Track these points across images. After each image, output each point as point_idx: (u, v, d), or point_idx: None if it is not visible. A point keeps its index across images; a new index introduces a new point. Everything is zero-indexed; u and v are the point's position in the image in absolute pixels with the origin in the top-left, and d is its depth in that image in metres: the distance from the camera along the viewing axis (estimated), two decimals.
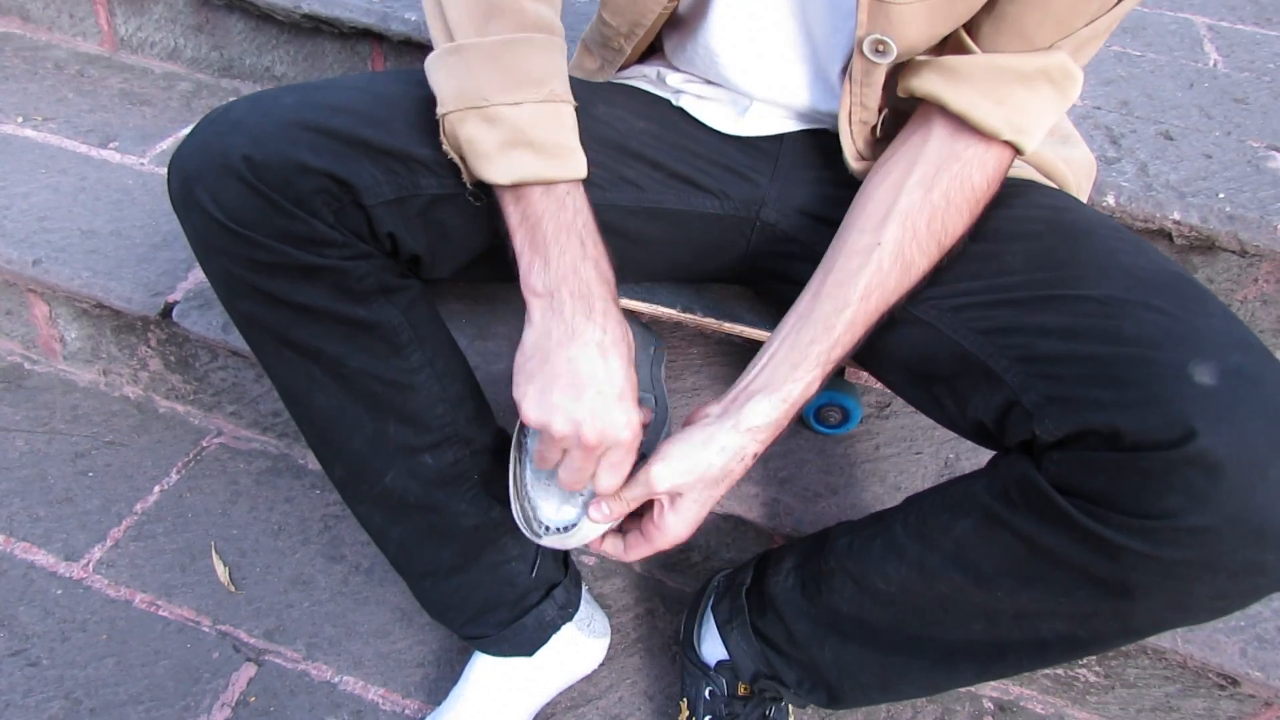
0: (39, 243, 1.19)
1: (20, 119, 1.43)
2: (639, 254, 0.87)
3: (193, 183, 0.67)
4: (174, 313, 1.12)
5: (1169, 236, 1.19)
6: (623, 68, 0.89)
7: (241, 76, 1.58)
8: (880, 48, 0.70)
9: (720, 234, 0.88)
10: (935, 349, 0.72)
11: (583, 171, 0.70)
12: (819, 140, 0.86)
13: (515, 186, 0.68)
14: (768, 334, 0.95)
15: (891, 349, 0.77)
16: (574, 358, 0.67)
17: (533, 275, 0.69)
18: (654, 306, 0.98)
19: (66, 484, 1.14)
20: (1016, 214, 0.76)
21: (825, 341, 0.71)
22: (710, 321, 0.97)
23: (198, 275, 1.17)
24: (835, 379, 1.04)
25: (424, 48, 1.38)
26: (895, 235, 0.70)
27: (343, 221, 0.69)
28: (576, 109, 0.73)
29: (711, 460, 0.71)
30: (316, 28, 1.43)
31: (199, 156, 0.67)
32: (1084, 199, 0.89)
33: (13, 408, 1.23)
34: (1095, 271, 0.67)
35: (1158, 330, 0.60)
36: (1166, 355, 0.58)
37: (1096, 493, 0.59)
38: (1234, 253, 1.19)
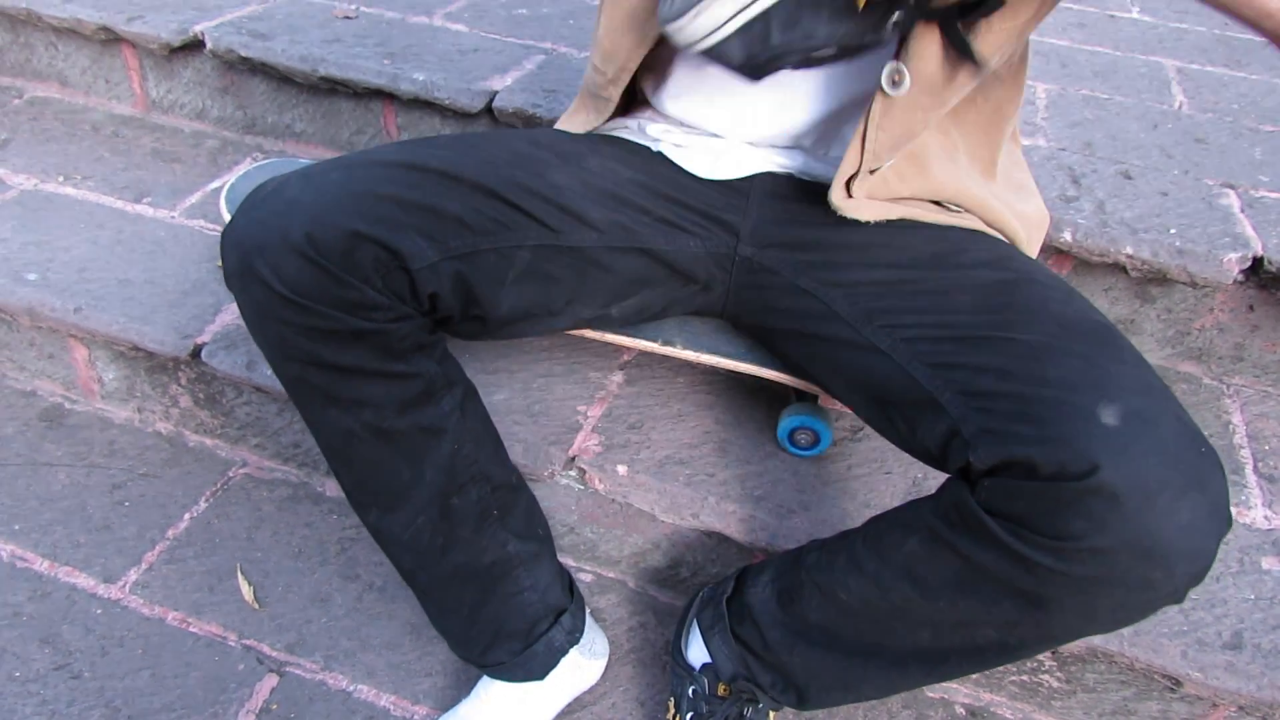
0: (79, 291, 1.29)
1: (61, 178, 1.55)
2: (633, 288, 0.96)
3: (252, 257, 0.74)
4: (203, 353, 1.22)
5: (1124, 269, 1.28)
6: (611, 118, 0.99)
7: (263, 133, 1.70)
8: (896, 78, 0.78)
9: (704, 269, 0.97)
10: (891, 377, 0.81)
11: None
12: (784, 181, 0.95)
13: None
14: (746, 365, 1.04)
15: (854, 374, 0.86)
16: None
17: None
18: (637, 340, 1.07)
19: (104, 513, 1.24)
20: (966, 260, 0.85)
21: None
22: (689, 354, 1.07)
23: (224, 318, 1.27)
24: (809, 404, 1.12)
25: (431, 105, 1.49)
26: None
27: (389, 285, 0.77)
28: (569, 159, 0.83)
29: None
30: (333, 88, 1.55)
31: (258, 233, 0.75)
32: (1034, 251, 0.98)
33: (55, 444, 1.33)
34: (1029, 317, 0.75)
35: (1075, 374, 0.69)
36: (1080, 398, 0.67)
37: (1018, 516, 0.67)
38: (1186, 284, 1.28)
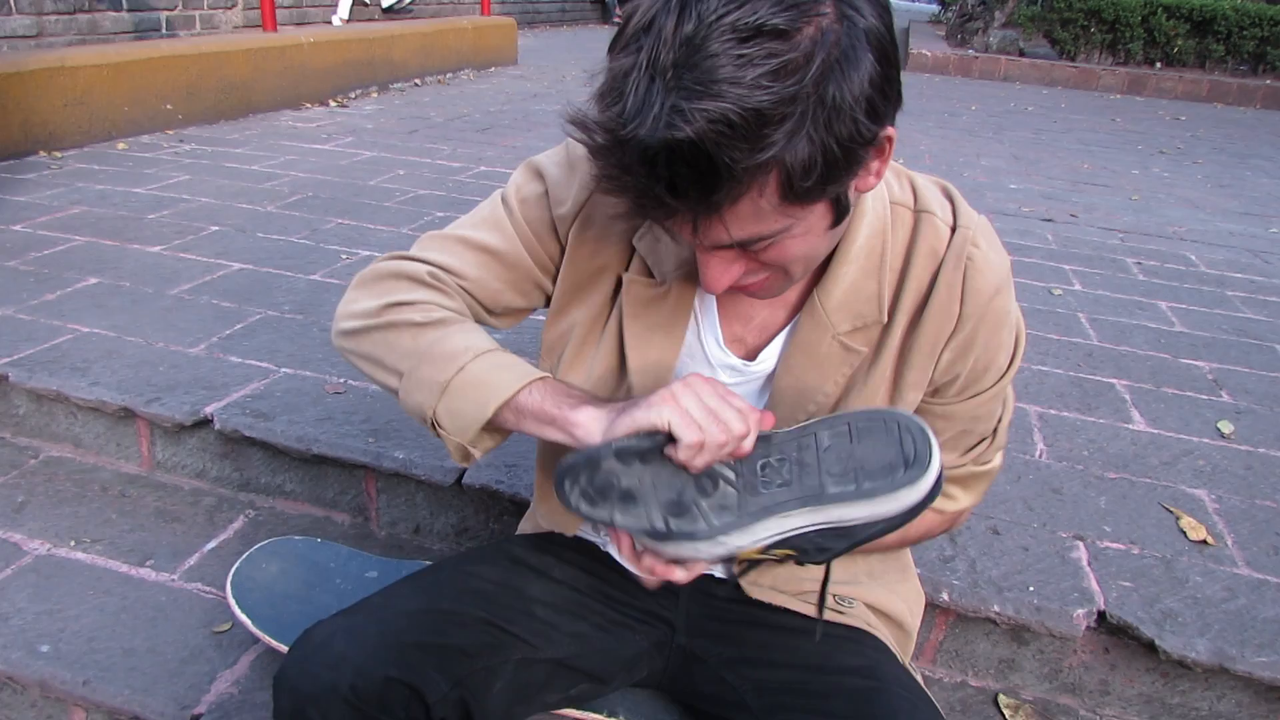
0: (89, 663, 1.45)
1: (73, 542, 1.75)
2: (590, 678, 1.16)
3: (306, 706, 0.93)
4: None
5: (995, 622, 1.52)
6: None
7: (256, 491, 1.93)
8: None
9: (648, 659, 1.18)
10: None
11: (534, 372, 0.94)
12: (708, 579, 1.19)
13: (501, 414, 0.93)
14: None
15: None
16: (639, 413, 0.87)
17: (566, 422, 0.91)
18: (587, 713, 1.26)
19: None
20: (845, 666, 1.07)
21: None
22: None
23: (219, 687, 1.43)
24: None
25: (409, 479, 1.75)
26: None
27: (410, 715, 0.96)
28: (540, 574, 1.05)
29: None
30: (322, 460, 1.81)
31: (310, 685, 0.93)
32: (916, 623, 1.21)
33: None
34: None
35: None
36: None
37: None
38: (1047, 636, 1.52)
